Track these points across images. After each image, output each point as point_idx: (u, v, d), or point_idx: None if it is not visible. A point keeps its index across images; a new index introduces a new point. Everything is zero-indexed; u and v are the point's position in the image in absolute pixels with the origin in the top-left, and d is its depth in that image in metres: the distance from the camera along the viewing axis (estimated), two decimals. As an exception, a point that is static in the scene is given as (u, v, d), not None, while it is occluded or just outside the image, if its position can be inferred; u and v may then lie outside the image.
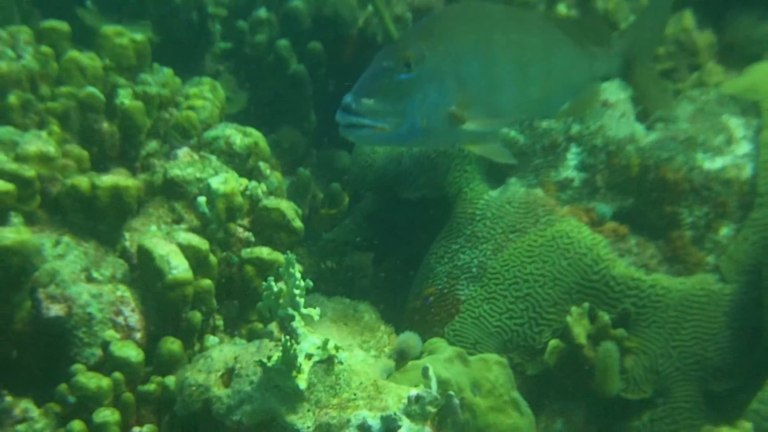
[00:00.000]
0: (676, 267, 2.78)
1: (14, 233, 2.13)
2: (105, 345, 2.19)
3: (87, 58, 2.68)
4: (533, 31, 2.39)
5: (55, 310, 2.18)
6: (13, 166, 2.27)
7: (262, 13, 3.88)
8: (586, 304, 2.64)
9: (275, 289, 2.07)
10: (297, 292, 2.05)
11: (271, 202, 2.60)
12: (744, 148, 2.85)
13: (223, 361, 2.09)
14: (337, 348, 2.01)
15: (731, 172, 2.80)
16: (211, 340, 2.36)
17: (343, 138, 2.17)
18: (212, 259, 2.37)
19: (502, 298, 2.74)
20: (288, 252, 2.09)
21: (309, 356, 2.00)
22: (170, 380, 2.19)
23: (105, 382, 2.11)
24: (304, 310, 2.07)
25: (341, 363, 2.01)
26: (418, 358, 2.44)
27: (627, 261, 2.75)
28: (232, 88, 3.85)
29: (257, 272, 2.47)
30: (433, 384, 1.89)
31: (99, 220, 2.37)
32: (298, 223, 2.60)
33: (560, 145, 2.90)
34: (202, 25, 3.85)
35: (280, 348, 1.95)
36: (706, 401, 2.64)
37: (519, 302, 2.72)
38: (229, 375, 2.06)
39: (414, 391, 1.83)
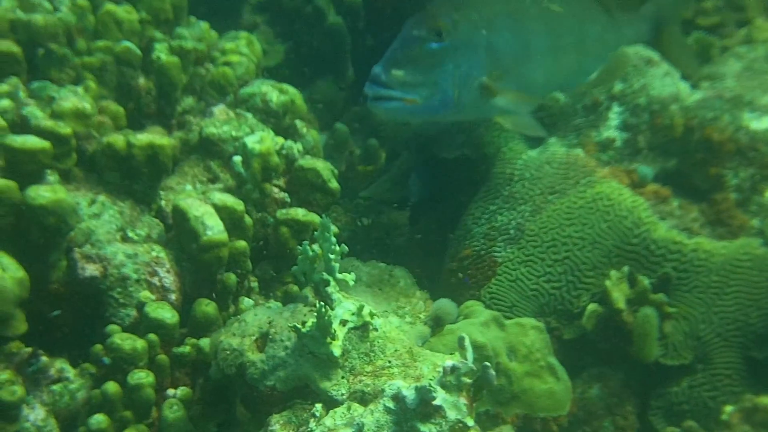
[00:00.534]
0: (719, 230, 2.72)
1: (50, 192, 2.11)
2: (140, 306, 2.18)
3: (123, 12, 2.64)
4: (569, 3, 2.30)
5: (91, 270, 2.17)
6: (49, 123, 2.24)
7: (300, -37, 3.81)
8: (626, 268, 2.58)
9: (310, 253, 2.03)
10: (332, 257, 2.02)
11: (307, 161, 2.56)
12: (793, 107, 2.77)
13: (257, 325, 2.07)
14: (372, 314, 1.97)
15: (779, 132, 2.72)
16: (246, 302, 2.34)
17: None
18: (247, 220, 2.34)
19: (540, 261, 2.69)
20: (324, 215, 2.05)
21: (343, 322, 1.98)
22: (205, 342, 2.18)
23: (140, 343, 2.10)
24: (339, 275, 2.03)
25: (376, 330, 1.98)
26: (454, 321, 2.41)
27: (668, 224, 2.68)
28: (269, 41, 3.80)
29: (292, 234, 2.44)
30: (469, 354, 1.85)
31: (134, 179, 2.35)
32: (334, 184, 2.56)
33: (602, 104, 2.83)
34: (240, -24, 3.79)
35: (315, 314, 1.92)
36: (747, 368, 2.58)
37: (557, 265, 2.67)
38: (264, 340, 2.04)
39: (449, 362, 1.79)
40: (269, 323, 2.06)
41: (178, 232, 2.25)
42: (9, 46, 2.39)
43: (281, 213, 2.43)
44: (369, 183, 3.51)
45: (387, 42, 3.72)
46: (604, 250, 2.64)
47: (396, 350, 1.99)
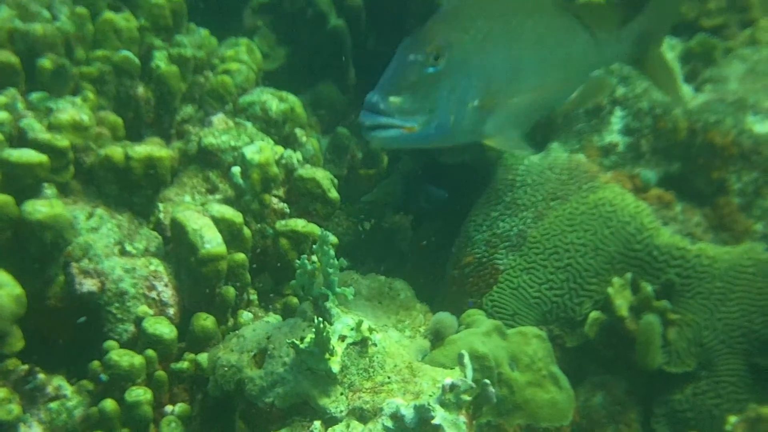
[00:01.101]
0: (723, 235, 2.68)
1: (47, 207, 2.08)
2: (138, 321, 2.15)
3: (122, 20, 2.61)
4: (550, 19, 2.25)
5: (88, 285, 2.14)
6: (46, 136, 2.21)
7: (301, -35, 3.76)
8: (629, 275, 2.55)
9: (309, 267, 2.00)
10: (331, 271, 1.99)
11: (306, 171, 2.52)
12: (797, 110, 2.72)
13: (255, 340, 2.04)
14: (370, 329, 1.95)
15: (783, 136, 2.68)
16: (245, 315, 2.31)
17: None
18: (246, 232, 2.31)
19: (542, 268, 2.65)
20: (322, 228, 2.02)
21: (342, 338, 1.95)
22: (203, 358, 2.15)
23: (137, 360, 2.07)
24: (338, 290, 2.00)
25: (375, 345, 1.95)
26: (456, 331, 2.38)
27: (672, 229, 2.65)
28: (270, 44, 3.76)
29: (292, 245, 2.41)
30: (469, 372, 1.82)
31: (133, 192, 2.32)
32: (333, 194, 2.53)
33: (604, 108, 2.79)
34: (241, -21, 3.75)
35: (313, 329, 1.89)
36: (752, 375, 2.54)
37: (559, 272, 2.63)
38: (262, 355, 2.01)
39: (449, 380, 1.76)
40: (268, 339, 2.03)
41: (177, 245, 2.22)
42: (7, 56, 2.36)
43: (280, 224, 2.40)
44: (371, 187, 3.48)
45: (389, 45, 3.71)
46: (607, 257, 2.61)
47: (395, 365, 1.96)
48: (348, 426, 1.84)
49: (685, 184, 2.74)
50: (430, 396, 1.83)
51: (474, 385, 1.79)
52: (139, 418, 2.05)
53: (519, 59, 2.09)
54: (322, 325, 1.87)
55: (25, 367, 2.07)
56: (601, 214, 2.63)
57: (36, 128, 2.23)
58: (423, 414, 1.72)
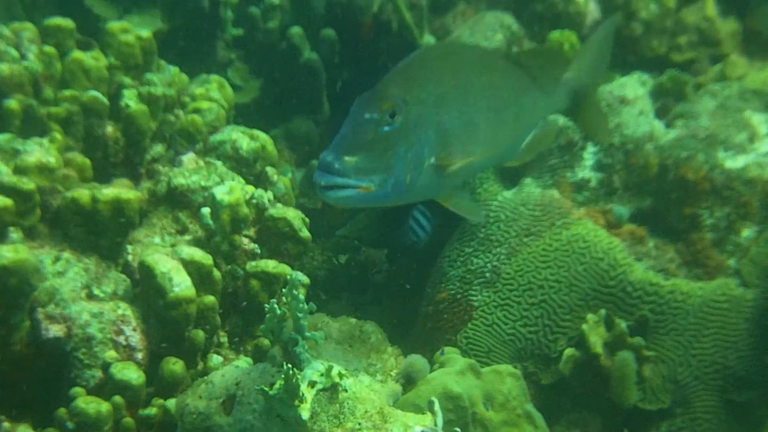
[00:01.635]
0: (696, 271, 2.68)
1: (12, 252, 2.04)
2: (105, 367, 2.11)
3: (91, 59, 2.58)
4: (500, 73, 2.24)
5: (55, 330, 2.10)
6: (12, 179, 2.18)
7: (275, -2, 3.75)
8: (603, 311, 2.54)
9: (278, 312, 1.97)
10: (300, 315, 1.96)
11: (278, 211, 2.50)
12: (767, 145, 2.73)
13: (224, 387, 2.01)
14: (341, 375, 1.92)
15: (754, 170, 2.69)
16: (215, 359, 2.28)
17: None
18: (216, 274, 2.28)
19: (516, 305, 2.64)
20: (293, 272, 1.99)
21: (312, 384, 1.92)
22: (172, 403, 2.11)
23: (104, 407, 2.03)
24: (308, 334, 1.97)
25: (345, 390, 1.93)
26: (431, 370, 2.35)
27: (645, 265, 2.64)
28: (244, 77, 3.74)
29: (263, 286, 2.38)
30: (439, 419, 1.80)
31: (100, 235, 2.29)
32: (305, 233, 2.50)
33: (576, 144, 2.80)
34: (214, 12, 3.71)
35: (283, 375, 1.86)
36: (727, 412, 2.54)
37: (533, 309, 2.62)
38: (231, 402, 1.98)
39: (419, 428, 1.74)
40: (237, 385, 2.00)
41: (145, 289, 2.19)
42: (-28, 98, 2.33)
43: (251, 265, 2.37)
44: (346, 221, 3.47)
45: (364, 78, 3.71)
46: (581, 293, 2.60)
47: (366, 411, 1.93)
48: (318, 475, 1.81)
49: (658, 219, 2.74)
50: (401, 443, 1.81)
51: (444, 433, 1.76)
52: (106, 467, 2.00)
53: (472, 116, 2.08)
54: (291, 372, 1.85)
55: (-11, 415, 2.03)
56: (575, 250, 2.62)
57: (2, 171, 2.20)
58: (393, 463, 1.69)
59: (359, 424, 1.91)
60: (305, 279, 2.43)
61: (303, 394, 1.88)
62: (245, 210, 2.40)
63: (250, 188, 2.51)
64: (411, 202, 2.62)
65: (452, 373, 2.31)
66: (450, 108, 2.01)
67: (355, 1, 3.67)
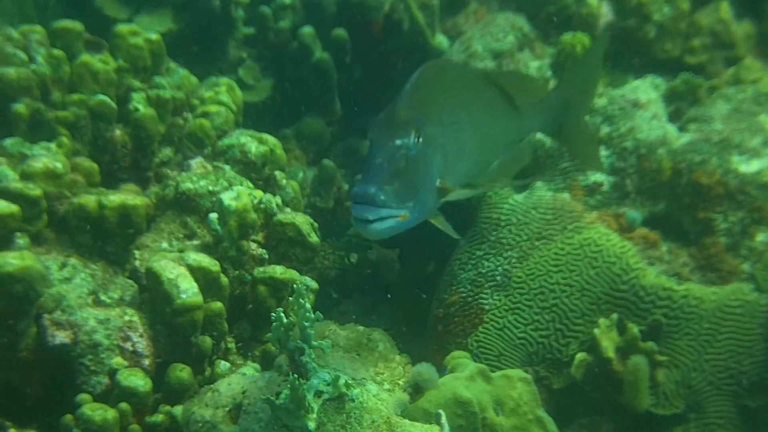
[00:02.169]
0: (710, 275, 2.64)
1: (18, 259, 2.03)
2: (112, 373, 2.10)
3: (99, 62, 2.56)
4: (482, 95, 2.21)
5: (61, 337, 2.09)
6: (18, 185, 2.16)
7: (286, -3, 3.72)
8: (615, 316, 2.50)
9: (284, 320, 1.95)
10: (307, 324, 1.93)
11: (286, 216, 2.47)
12: (782, 149, 2.69)
13: (230, 395, 1.99)
14: (347, 385, 1.89)
15: (768, 175, 2.64)
16: (222, 365, 2.26)
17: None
18: (223, 280, 2.26)
19: (528, 309, 2.61)
20: (299, 281, 1.96)
21: (319, 393, 1.89)
22: (178, 410, 2.09)
23: (110, 414, 2.02)
24: (314, 343, 1.95)
25: (352, 400, 1.90)
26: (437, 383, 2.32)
27: (658, 269, 2.60)
28: (255, 76, 3.71)
29: (270, 292, 2.35)
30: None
31: (107, 241, 2.27)
32: (314, 238, 2.48)
33: (589, 148, 2.75)
34: (225, 11, 3.69)
35: (289, 385, 1.84)
36: (740, 417, 2.50)
37: (545, 313, 2.59)
38: (237, 411, 1.96)
39: (425, 442, 1.71)
40: (243, 393, 1.98)
41: (152, 295, 2.17)
42: (-20, 103, 2.31)
43: (258, 271, 2.35)
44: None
45: (375, 77, 3.68)
46: (593, 297, 2.56)
47: (373, 421, 1.91)
48: (324, 486, 1.79)
49: (671, 223, 2.70)
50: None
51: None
52: (112, 475, 1.99)
53: (462, 138, 2.05)
54: (297, 382, 1.82)
55: (-5, 422, 2.02)
56: (587, 254, 2.59)
57: (9, 176, 2.18)
58: (398, 477, 1.66)
59: (366, 434, 1.88)
60: (314, 284, 2.41)
61: (309, 405, 1.85)
62: (253, 215, 2.37)
63: (258, 193, 2.49)
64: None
65: (462, 378, 2.29)
66: (448, 132, 1.98)
67: (366, 1, 3.64)
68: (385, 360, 2.11)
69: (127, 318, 2.16)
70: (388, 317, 3.17)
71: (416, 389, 2.10)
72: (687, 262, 2.65)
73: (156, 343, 2.18)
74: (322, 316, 1.97)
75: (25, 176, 2.20)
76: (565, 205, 2.69)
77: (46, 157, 2.25)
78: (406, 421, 1.95)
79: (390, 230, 1.75)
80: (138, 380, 2.08)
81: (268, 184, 2.62)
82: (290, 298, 1.97)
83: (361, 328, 2.19)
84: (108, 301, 2.19)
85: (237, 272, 2.37)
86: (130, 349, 2.13)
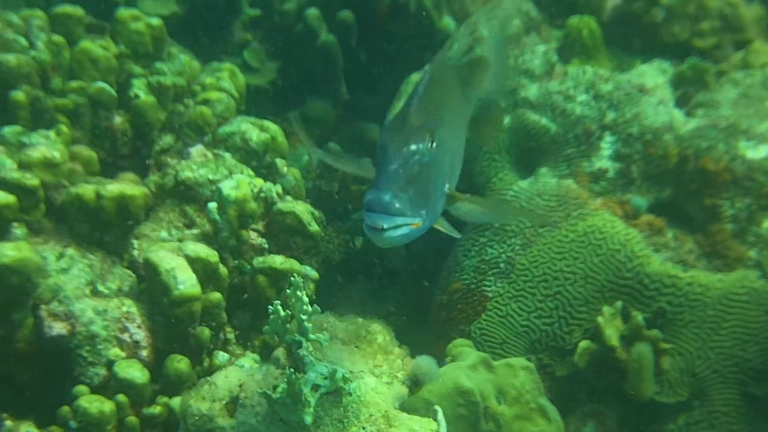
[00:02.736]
0: (716, 262, 2.58)
1: (14, 250, 1.99)
2: (109, 364, 2.08)
3: (100, 48, 2.51)
4: (461, 95, 2.15)
5: (58, 328, 2.06)
6: (15, 175, 2.13)
7: (292, -21, 3.66)
8: (619, 304, 2.46)
9: (282, 313, 1.91)
10: (304, 317, 1.89)
11: (286, 205, 2.43)
12: (790, 136, 2.62)
13: (227, 389, 1.95)
14: (345, 379, 1.86)
15: (776, 161, 2.58)
16: (221, 356, 2.22)
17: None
18: (222, 270, 2.22)
19: (531, 296, 2.56)
20: (295, 275, 1.92)
21: (316, 387, 1.86)
22: (176, 402, 2.06)
23: (107, 406, 1.99)
24: (312, 336, 1.91)
25: (350, 394, 1.87)
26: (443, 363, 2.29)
27: (663, 256, 2.55)
28: (260, 59, 3.66)
29: (270, 282, 2.32)
30: (443, 430, 1.73)
31: (105, 231, 2.24)
32: (314, 227, 2.44)
33: (594, 134, 2.69)
34: (230, -7, 3.64)
35: (286, 379, 1.80)
36: (746, 405, 2.46)
37: (548, 301, 2.54)
38: (234, 404, 1.92)
39: (421, 439, 1.68)
40: (240, 386, 1.94)
41: (150, 286, 2.14)
42: (-21, 89, 2.27)
43: (258, 261, 2.31)
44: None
45: (380, 60, 3.62)
46: (597, 285, 2.52)
47: (371, 415, 1.87)
48: (320, 482, 1.76)
49: (677, 210, 2.64)
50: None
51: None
52: (109, 467, 1.96)
53: (460, 141, 1.99)
54: (294, 377, 1.79)
55: (-8, 414, 1.99)
56: (591, 241, 2.54)
57: (6, 166, 2.15)
58: (394, 474, 1.63)
59: (363, 428, 1.85)
60: (314, 274, 2.37)
61: (306, 399, 1.82)
62: (253, 205, 2.33)
63: (259, 181, 2.44)
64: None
65: (464, 367, 2.25)
66: (454, 135, 1.92)
67: (373, -18, 3.58)
68: (384, 352, 2.07)
69: (125, 309, 2.13)
70: (393, 302, 3.13)
71: (415, 382, 2.06)
72: (693, 248, 2.60)
73: (154, 334, 2.15)
74: (319, 309, 1.93)
75: (23, 166, 2.16)
76: (569, 192, 2.64)
77: (44, 146, 2.21)
78: (404, 414, 1.91)
79: (403, 238, 1.66)
80: (135, 372, 2.05)
81: (269, 172, 2.57)
82: (287, 291, 1.93)
83: (360, 319, 2.15)
84: (106, 291, 2.16)
85: (236, 262, 2.34)
86: (128, 340, 2.10)
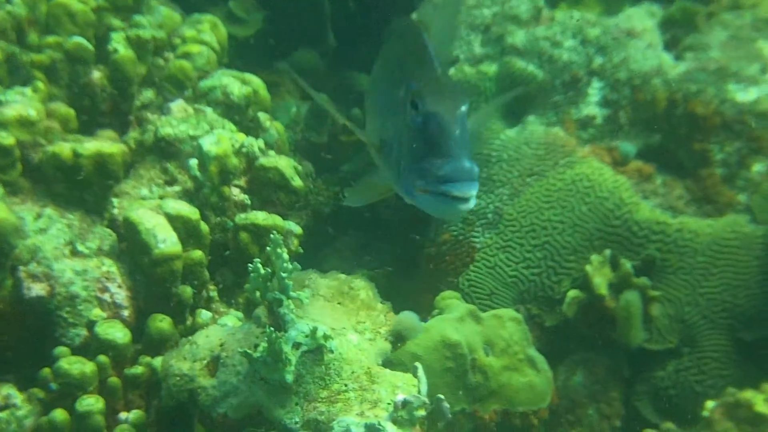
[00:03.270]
0: (706, 208, 2.54)
1: (-10, 211, 1.94)
2: (90, 325, 2.03)
3: (77, 2, 2.43)
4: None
5: (37, 289, 2.01)
6: (-10, 134, 2.06)
7: (277, -75, 3.55)
8: (608, 252, 2.42)
9: (262, 271, 1.86)
10: (285, 275, 1.84)
11: (268, 160, 2.37)
12: (781, 77, 2.55)
13: (208, 348, 1.91)
14: (326, 336, 1.81)
15: (766, 103, 2.51)
16: (204, 314, 2.18)
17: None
18: (203, 227, 2.17)
19: (519, 247, 2.52)
20: (274, 232, 1.87)
21: (297, 345, 1.82)
22: (158, 361, 2.02)
23: (89, 367, 1.95)
24: (293, 294, 1.86)
25: (331, 351, 1.82)
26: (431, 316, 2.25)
27: (652, 203, 2.50)
28: (246, 9, 3.56)
29: (253, 239, 2.26)
30: (423, 386, 1.69)
31: (84, 189, 2.18)
32: (297, 182, 2.38)
33: (581, 80, 2.63)
34: (215, -59, 3.53)
35: (266, 337, 1.76)
36: (736, 350, 2.43)
37: (536, 251, 2.50)
38: (215, 363, 1.89)
39: (401, 396, 1.64)
40: (221, 346, 1.90)
41: (130, 246, 2.09)
42: (-46, 43, 2.20)
43: (240, 218, 2.26)
44: (352, 154, 3.33)
45: (369, 9, 3.53)
46: (585, 234, 2.47)
47: (353, 372, 1.83)
48: (302, 440, 1.72)
49: (666, 156, 2.59)
50: (390, 400, 1.71)
51: (427, 400, 1.66)
52: (91, 428, 1.92)
53: None
54: (274, 335, 1.75)
55: (-27, 376, 1.95)
56: (579, 190, 2.49)
57: (-20, 125, 2.08)
58: (374, 432, 1.59)
59: (345, 385, 1.81)
60: (298, 229, 2.32)
61: (287, 357, 1.78)
62: (234, 161, 2.27)
63: (241, 136, 2.38)
64: None
65: (451, 320, 2.22)
66: None
67: (361, -70, 3.48)
68: (367, 308, 2.03)
69: (105, 269, 2.08)
70: (384, 255, 3.09)
71: (398, 338, 2.02)
72: (682, 194, 2.54)
73: (135, 294, 2.10)
74: (300, 266, 1.88)
75: (-2, 124, 2.09)
76: (557, 140, 2.58)
77: (20, 104, 2.15)
78: (387, 370, 1.87)
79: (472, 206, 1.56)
80: (117, 332, 2.00)
81: (251, 127, 2.50)
82: (268, 248, 1.88)
83: (342, 276, 2.11)
84: (86, 251, 2.11)
85: (218, 219, 2.28)
86: (109, 300, 2.06)
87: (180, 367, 1.89)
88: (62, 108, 2.25)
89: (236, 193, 2.31)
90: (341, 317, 1.97)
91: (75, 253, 2.09)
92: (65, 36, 2.37)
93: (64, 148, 2.12)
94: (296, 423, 1.77)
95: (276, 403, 1.79)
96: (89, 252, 2.11)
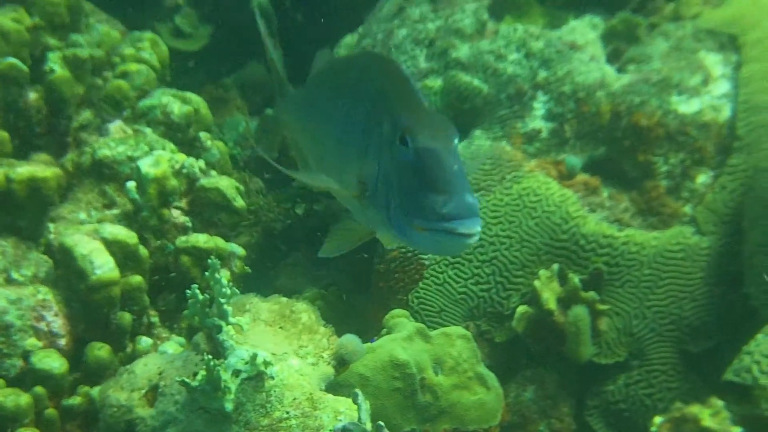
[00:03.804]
0: (651, 219, 2.53)
1: None
2: (26, 355, 1.96)
3: (10, 21, 2.35)
4: None
5: (-30, 321, 1.94)
6: None
7: (222, -61, 3.51)
8: (555, 266, 2.40)
9: (200, 297, 1.81)
10: (223, 300, 1.79)
11: (209, 181, 2.31)
12: (722, 87, 2.56)
13: (147, 377, 1.86)
14: (266, 363, 1.77)
15: (708, 114, 2.51)
16: (144, 341, 2.11)
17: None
18: (142, 251, 2.11)
19: (467, 263, 2.49)
20: (212, 257, 1.82)
21: (237, 373, 1.77)
22: (97, 391, 1.96)
23: (24, 399, 1.88)
24: (232, 319, 1.81)
25: (272, 378, 1.77)
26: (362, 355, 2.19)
27: (599, 216, 2.49)
28: (192, 23, 3.51)
29: (194, 262, 2.21)
30: (363, 413, 1.65)
31: (17, 216, 2.10)
32: (239, 202, 2.33)
33: (526, 94, 2.61)
34: (159, -46, 3.47)
35: (204, 365, 1.71)
36: (683, 363, 2.42)
37: (485, 266, 2.47)
38: (154, 392, 1.83)
39: (340, 424, 1.59)
40: (159, 375, 1.85)
41: (66, 272, 2.02)
42: None
43: (181, 240, 2.20)
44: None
45: (316, 21, 3.49)
46: (533, 248, 2.45)
47: (295, 398, 1.79)
48: (242, 471, 1.67)
49: (612, 168, 2.58)
50: (332, 426, 1.67)
51: (368, 426, 1.62)
52: (27, 462, 1.86)
53: None
54: (212, 363, 1.69)
55: None
56: (526, 204, 2.47)
57: None
58: (314, 463, 1.55)
59: (287, 412, 1.77)
60: (241, 251, 2.27)
61: (226, 385, 1.73)
62: (173, 182, 2.21)
63: (181, 157, 2.32)
64: None
65: (399, 339, 2.19)
66: None
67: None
68: (309, 332, 1.98)
69: (40, 296, 2.01)
70: (336, 271, 3.05)
71: (341, 362, 1.98)
72: (628, 207, 2.53)
73: (73, 322, 2.03)
74: (238, 292, 1.83)
75: (-73, 151, 2.02)
76: (503, 154, 2.56)
77: (-50, 129, 2.07)
78: (330, 396, 1.83)
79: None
80: (53, 362, 1.94)
81: (192, 147, 2.45)
82: (206, 273, 1.83)
83: (284, 299, 2.06)
84: (20, 279, 2.04)
85: (159, 242, 2.22)
86: (45, 329, 1.99)
87: (117, 397, 1.84)
88: (-5, 131, 2.19)
89: (177, 215, 2.25)
90: (282, 342, 1.92)
91: (9, 281, 2.03)
92: (-1, 56, 2.29)
93: (-5, 173, 2.05)
94: (237, 453, 1.72)
95: (216, 432, 1.74)
96: (24, 279, 2.04)
